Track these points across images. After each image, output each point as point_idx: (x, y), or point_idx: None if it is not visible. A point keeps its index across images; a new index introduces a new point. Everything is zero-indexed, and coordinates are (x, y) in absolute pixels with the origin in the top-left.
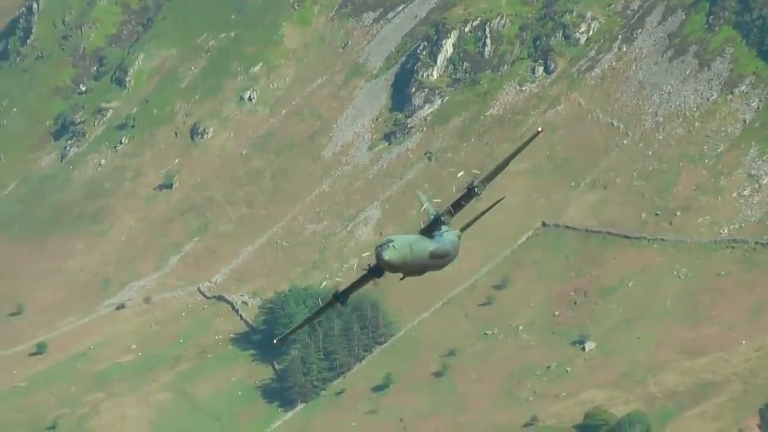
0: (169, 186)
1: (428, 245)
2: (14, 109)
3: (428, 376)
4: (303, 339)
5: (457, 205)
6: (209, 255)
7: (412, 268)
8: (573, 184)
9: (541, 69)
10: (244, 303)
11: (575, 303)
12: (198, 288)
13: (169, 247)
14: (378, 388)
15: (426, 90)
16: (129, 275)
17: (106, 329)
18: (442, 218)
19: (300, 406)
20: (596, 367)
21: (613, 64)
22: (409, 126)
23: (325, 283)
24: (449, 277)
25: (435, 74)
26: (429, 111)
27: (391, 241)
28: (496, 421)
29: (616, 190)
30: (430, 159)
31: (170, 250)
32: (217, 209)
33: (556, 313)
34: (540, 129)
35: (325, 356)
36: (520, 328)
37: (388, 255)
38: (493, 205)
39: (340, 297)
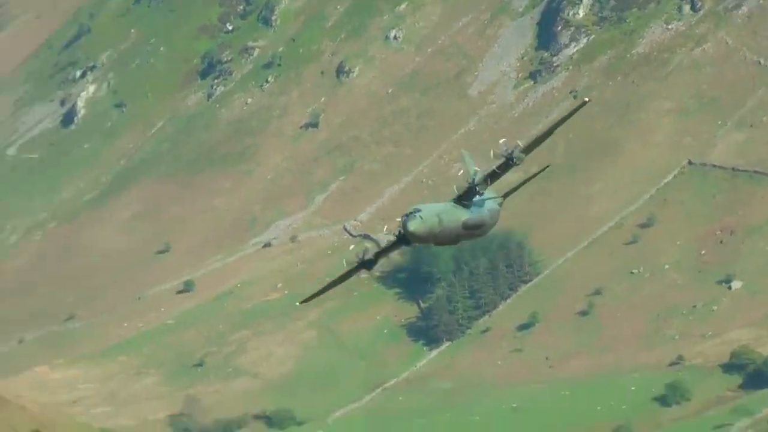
0: (315, 125)
1: (461, 215)
2: (161, 48)
3: (574, 315)
4: (449, 277)
5: (494, 175)
6: (355, 194)
7: (441, 239)
8: (719, 122)
9: (688, 7)
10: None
11: (722, 242)
12: (344, 226)
13: (315, 185)
14: (523, 327)
15: (572, 28)
16: (275, 214)
17: (252, 267)
18: (477, 188)
19: (445, 345)
20: (743, 306)
21: (761, 1)
22: (554, 64)
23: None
24: (595, 215)
25: (581, 12)
26: (575, 49)
27: (419, 210)
28: (642, 361)
29: (763, 129)
30: (575, 98)
31: (316, 189)
32: (362, 148)
33: (703, 252)
34: (586, 99)
35: (471, 294)
36: (666, 267)
37: (413, 226)
38: (538, 172)
39: (368, 263)
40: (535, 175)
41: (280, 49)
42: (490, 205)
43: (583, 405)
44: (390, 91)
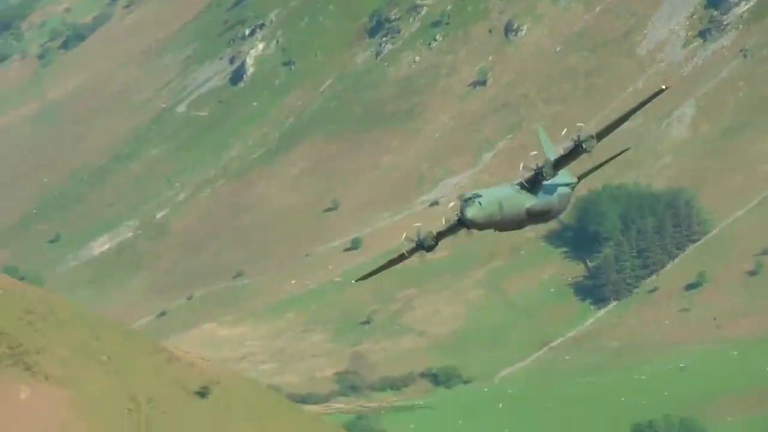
0: (483, 83)
1: (525, 201)
2: (330, 6)
3: (742, 275)
4: (616, 236)
5: (562, 161)
6: (523, 152)
7: (502, 225)
8: None
9: None
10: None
11: None
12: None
13: (483, 143)
14: (691, 286)
15: None
16: (443, 172)
17: (420, 225)
18: (543, 173)
19: (612, 304)
20: None
21: None
22: (724, 23)
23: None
24: (765, 174)
25: None
26: (745, 8)
27: (479, 196)
28: None
29: None
30: (745, 56)
31: (484, 147)
32: (530, 106)
33: None
34: (664, 86)
35: (638, 254)
36: None
37: (471, 212)
38: (617, 155)
39: (426, 245)
40: (614, 157)
41: (449, 7)
42: (561, 190)
43: (752, 365)
44: (558, 49)
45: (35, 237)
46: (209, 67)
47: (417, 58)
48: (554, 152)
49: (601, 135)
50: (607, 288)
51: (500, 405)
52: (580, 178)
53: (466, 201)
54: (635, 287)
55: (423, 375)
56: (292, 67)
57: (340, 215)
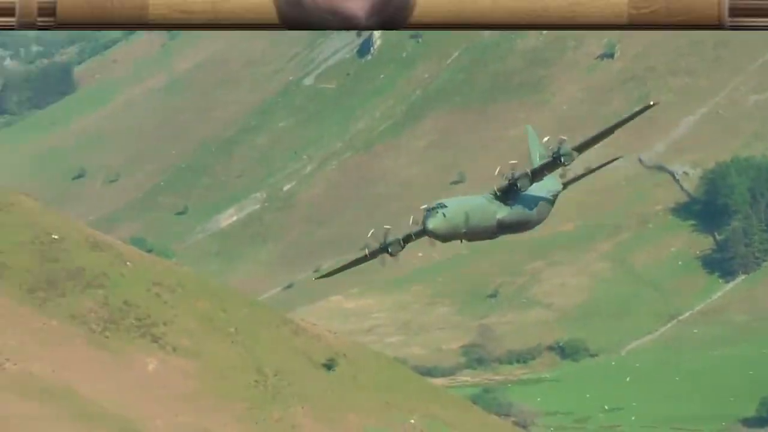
0: (611, 56)
1: (496, 212)
2: None
3: None
4: (745, 209)
5: (539, 173)
6: (649, 124)
7: (471, 236)
8: None
9: None
10: (685, 173)
11: None
12: (638, 158)
13: (610, 116)
14: None
15: None
16: (571, 145)
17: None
18: (518, 185)
19: (741, 277)
20: None
21: None
22: None
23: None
24: None
25: None
26: None
27: (444, 206)
28: None
29: None
30: None
31: (611, 120)
32: (658, 79)
33: None
34: (652, 102)
35: (767, 227)
36: None
37: (432, 224)
38: (607, 163)
39: (390, 248)
40: (604, 164)
41: None
42: (543, 201)
43: None
44: None
45: (163, 209)
46: (336, 39)
47: (544, 30)
48: (542, 156)
49: (581, 148)
50: (735, 261)
51: (627, 378)
52: (565, 185)
53: (430, 211)
54: (764, 260)
55: (550, 348)
56: (419, 40)
57: (466, 188)
